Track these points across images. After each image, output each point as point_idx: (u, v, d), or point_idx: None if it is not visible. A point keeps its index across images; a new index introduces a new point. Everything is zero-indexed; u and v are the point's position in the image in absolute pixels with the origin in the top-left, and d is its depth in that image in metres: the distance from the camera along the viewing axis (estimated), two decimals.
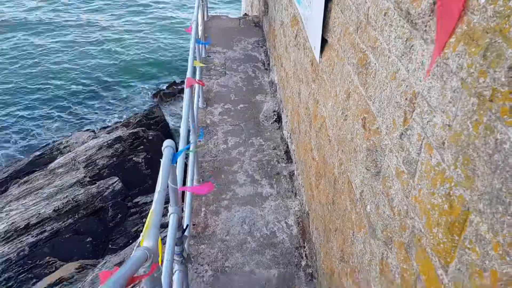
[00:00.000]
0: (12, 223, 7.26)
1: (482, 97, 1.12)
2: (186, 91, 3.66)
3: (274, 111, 5.53)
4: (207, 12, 8.10)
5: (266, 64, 6.63)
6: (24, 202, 8.20)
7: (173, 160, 2.08)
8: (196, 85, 5.23)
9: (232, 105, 5.69)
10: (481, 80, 1.12)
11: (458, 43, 1.21)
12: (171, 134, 11.09)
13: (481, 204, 1.17)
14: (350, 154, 2.36)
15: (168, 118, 11.84)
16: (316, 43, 3.03)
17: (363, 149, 2.10)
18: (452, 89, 1.29)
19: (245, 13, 10.06)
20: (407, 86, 1.62)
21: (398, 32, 1.67)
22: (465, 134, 1.23)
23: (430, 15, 1.38)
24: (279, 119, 5.38)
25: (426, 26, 1.41)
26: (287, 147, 4.92)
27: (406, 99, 1.62)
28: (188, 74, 3.90)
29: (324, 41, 2.92)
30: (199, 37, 5.72)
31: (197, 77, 4.95)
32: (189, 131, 3.98)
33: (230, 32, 7.70)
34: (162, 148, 2.12)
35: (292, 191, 4.39)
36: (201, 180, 4.40)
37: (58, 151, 10.87)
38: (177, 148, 2.71)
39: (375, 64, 1.98)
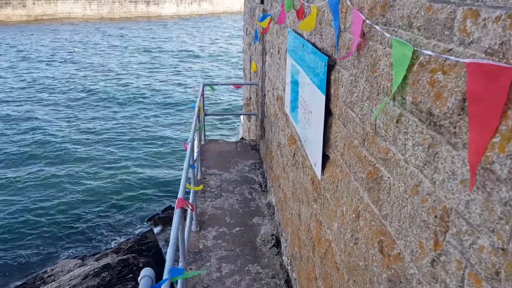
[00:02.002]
0: None
1: None
2: (176, 212, 3.35)
3: (272, 235, 5.14)
4: (204, 136, 8.16)
5: (263, 186, 6.42)
6: None
7: None
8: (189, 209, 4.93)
9: (227, 228, 5.32)
10: None
11: (507, 142, 0.96)
12: (163, 261, 10.44)
13: None
14: (364, 286, 1.98)
15: (162, 244, 11.28)
16: (316, 160, 2.82)
17: (383, 280, 1.73)
18: (502, 201, 1.00)
19: (242, 137, 10.20)
20: (434, 201, 1.34)
21: (416, 139, 1.44)
22: None
23: (460, 114, 1.15)
24: (277, 244, 4.98)
25: (455, 127, 1.18)
26: (288, 275, 4.45)
27: (435, 216, 1.33)
28: (180, 194, 3.63)
29: (325, 157, 2.71)
30: (195, 159, 5.59)
31: (191, 199, 4.67)
32: (178, 257, 3.58)
33: (227, 155, 7.64)
34: (139, 278, 1.75)
35: None
36: None
37: (42, 281, 10.14)
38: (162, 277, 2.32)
39: (388, 177, 1.72)
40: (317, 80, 2.75)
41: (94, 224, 12.13)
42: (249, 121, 10.34)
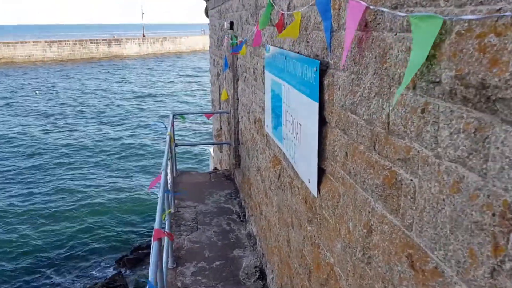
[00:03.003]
0: None
1: None
2: (154, 245, 3.00)
3: (255, 267, 4.79)
4: (175, 167, 7.80)
5: (241, 216, 6.08)
6: None
7: None
8: (165, 243, 4.55)
9: (206, 263, 4.93)
10: None
11: None
12: None
13: None
14: None
15: (131, 287, 10.59)
16: (311, 176, 2.57)
17: None
18: None
19: (215, 168, 9.87)
20: (488, 196, 1.10)
21: (455, 126, 1.21)
22: None
23: None
24: (262, 276, 4.62)
25: None
26: None
27: (493, 215, 1.08)
28: (156, 225, 3.28)
29: (321, 172, 2.46)
30: (169, 189, 5.24)
31: (166, 230, 4.30)
32: None
33: (201, 186, 7.29)
34: None
35: None
36: None
37: None
38: None
39: (411, 180, 1.48)
40: (307, 88, 2.53)
41: (58, 268, 11.31)
42: (221, 151, 10.05)
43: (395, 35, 1.55)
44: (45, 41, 57.53)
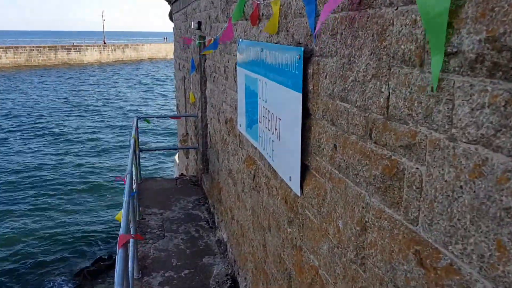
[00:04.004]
0: None
1: None
2: (119, 252, 2.74)
3: (227, 275, 4.56)
4: (139, 174, 7.46)
5: (210, 222, 5.84)
6: None
7: None
8: (130, 251, 4.25)
9: (174, 272, 4.65)
10: None
11: None
12: None
13: None
14: None
15: None
16: (293, 173, 2.40)
17: None
18: None
19: (182, 173, 9.56)
20: None
21: (478, 100, 1.07)
22: None
23: None
24: (234, 284, 4.40)
25: None
26: None
27: None
28: (121, 231, 3.02)
29: (304, 168, 2.29)
30: (134, 193, 4.94)
31: (132, 233, 4.02)
32: None
33: (167, 192, 7.00)
34: None
35: None
36: None
37: None
38: None
39: (416, 169, 1.33)
40: (288, 79, 2.37)
41: (12, 284, 10.61)
42: (187, 157, 9.76)
43: (396, 9, 1.41)
44: (0, 47, 55.16)
